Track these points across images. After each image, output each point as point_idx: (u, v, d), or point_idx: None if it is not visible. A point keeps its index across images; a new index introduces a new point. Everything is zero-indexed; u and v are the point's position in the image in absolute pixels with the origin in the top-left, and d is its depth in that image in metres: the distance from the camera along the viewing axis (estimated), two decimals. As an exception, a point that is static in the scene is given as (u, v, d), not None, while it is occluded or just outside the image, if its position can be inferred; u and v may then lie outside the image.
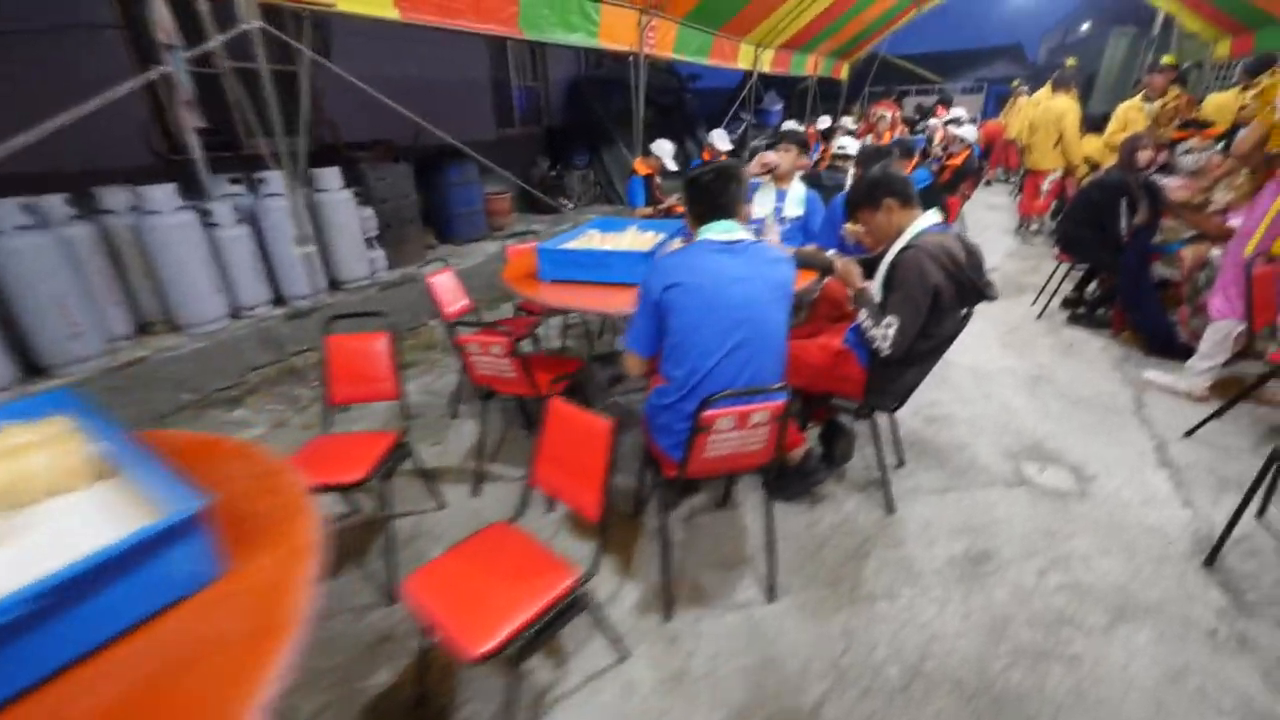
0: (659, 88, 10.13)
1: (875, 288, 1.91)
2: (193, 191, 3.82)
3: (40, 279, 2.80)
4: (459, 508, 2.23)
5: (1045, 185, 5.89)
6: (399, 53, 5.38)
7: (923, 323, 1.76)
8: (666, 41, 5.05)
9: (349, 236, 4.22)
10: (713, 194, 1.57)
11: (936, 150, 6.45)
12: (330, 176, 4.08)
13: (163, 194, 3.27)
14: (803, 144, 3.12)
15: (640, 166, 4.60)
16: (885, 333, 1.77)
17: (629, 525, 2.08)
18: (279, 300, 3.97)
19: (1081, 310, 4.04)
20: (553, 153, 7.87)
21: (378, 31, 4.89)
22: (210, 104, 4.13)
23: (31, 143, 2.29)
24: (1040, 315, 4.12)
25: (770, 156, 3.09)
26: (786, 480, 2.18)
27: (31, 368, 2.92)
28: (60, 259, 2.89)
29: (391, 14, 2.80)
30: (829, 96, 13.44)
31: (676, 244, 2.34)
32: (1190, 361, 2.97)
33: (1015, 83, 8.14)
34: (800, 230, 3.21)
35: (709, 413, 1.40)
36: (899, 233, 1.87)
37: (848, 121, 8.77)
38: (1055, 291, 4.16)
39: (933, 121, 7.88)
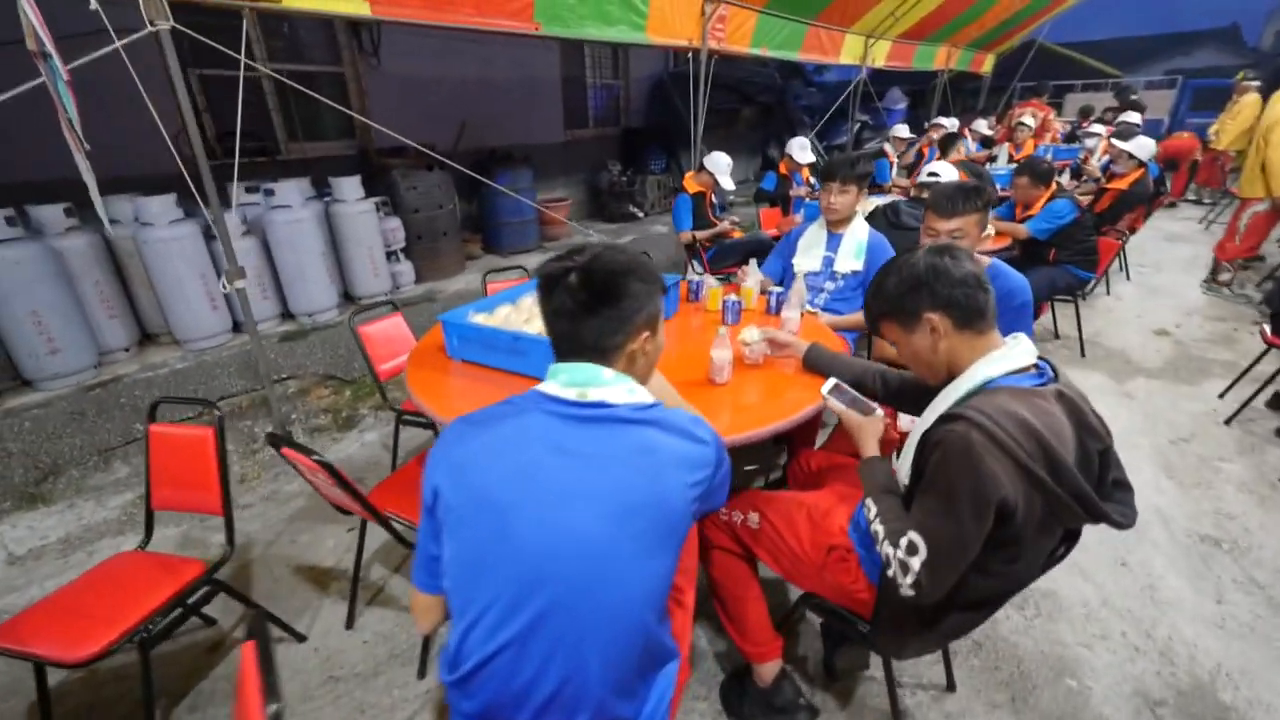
0: (759, 85, 9.22)
1: (902, 469, 1.11)
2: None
3: (15, 293, 2.71)
4: (328, 642, 1.73)
5: (1244, 220, 4.31)
6: (456, 51, 5.07)
7: (976, 556, 0.95)
8: (742, 33, 4.25)
9: (366, 250, 3.94)
10: (567, 309, 0.85)
11: (1093, 168, 5.02)
12: (348, 186, 3.82)
13: (159, 205, 3.12)
14: (862, 178, 2.26)
15: (690, 183, 3.88)
16: (906, 560, 0.97)
17: None
18: (288, 315, 3.79)
19: (1302, 417, 2.74)
20: (628, 156, 7.31)
21: (432, 30, 4.61)
22: (247, 108, 4.07)
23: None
24: (1231, 419, 2.85)
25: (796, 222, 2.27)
26: (746, 704, 1.43)
27: (18, 380, 2.88)
28: (44, 271, 2.80)
29: (361, 9, 2.36)
30: (968, 92, 11.61)
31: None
32: None
33: (1240, 76, 6.01)
34: (858, 289, 2.36)
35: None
36: (950, 371, 1.07)
37: (981, 125, 7.33)
38: (1259, 384, 2.87)
39: (1095, 129, 6.26)
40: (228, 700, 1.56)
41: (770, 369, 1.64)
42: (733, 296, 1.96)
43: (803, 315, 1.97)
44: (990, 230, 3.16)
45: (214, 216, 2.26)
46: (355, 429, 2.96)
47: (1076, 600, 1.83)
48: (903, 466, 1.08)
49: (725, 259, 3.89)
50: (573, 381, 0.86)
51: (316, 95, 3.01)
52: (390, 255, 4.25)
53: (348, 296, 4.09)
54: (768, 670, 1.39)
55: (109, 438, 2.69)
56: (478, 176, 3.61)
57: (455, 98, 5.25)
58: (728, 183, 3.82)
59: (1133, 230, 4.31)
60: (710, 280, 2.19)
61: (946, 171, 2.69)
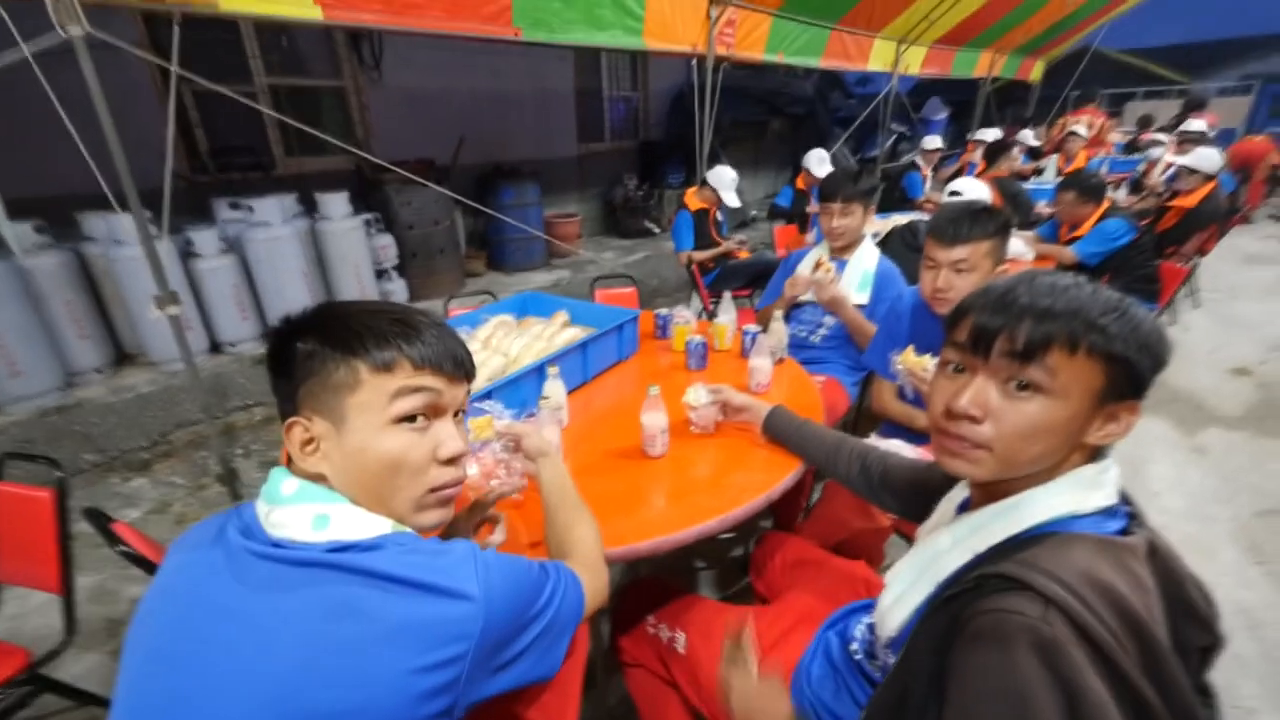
0: (789, 96, 8.87)
1: (886, 626, 0.72)
2: (199, 216, 3.65)
3: (-26, 314, 2.62)
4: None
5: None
6: (463, 63, 4.94)
7: None
8: (754, 38, 3.93)
9: (353, 268, 3.79)
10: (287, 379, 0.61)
11: (1155, 182, 4.47)
12: (334, 203, 3.68)
13: (131, 223, 3.01)
14: (867, 195, 1.91)
15: (691, 199, 3.58)
16: None
17: None
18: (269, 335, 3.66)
19: None
20: (646, 170, 7.07)
21: (437, 41, 4.49)
22: (242, 122, 4.00)
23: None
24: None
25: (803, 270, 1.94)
26: None
27: (-22, 402, 2.79)
28: (7, 291, 2.70)
29: (310, 13, 2.17)
30: (1016, 101, 10.93)
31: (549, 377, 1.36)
32: None
33: None
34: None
35: None
36: (1010, 477, 0.64)
37: (1028, 136, 6.77)
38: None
39: (1159, 137, 5.66)
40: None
41: (727, 437, 1.31)
42: (698, 337, 1.64)
43: (780, 363, 1.63)
44: (1018, 258, 2.76)
45: (142, 235, 2.08)
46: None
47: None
48: (886, 623, 0.72)
49: (729, 282, 3.56)
50: (267, 494, 0.59)
51: (277, 116, 2.84)
52: (381, 273, 4.09)
53: (334, 316, 3.95)
54: None
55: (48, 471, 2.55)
56: (460, 198, 3.40)
57: (461, 111, 5.11)
58: (732, 199, 3.51)
59: (1203, 252, 3.76)
60: (684, 313, 1.87)
61: (973, 190, 2.30)
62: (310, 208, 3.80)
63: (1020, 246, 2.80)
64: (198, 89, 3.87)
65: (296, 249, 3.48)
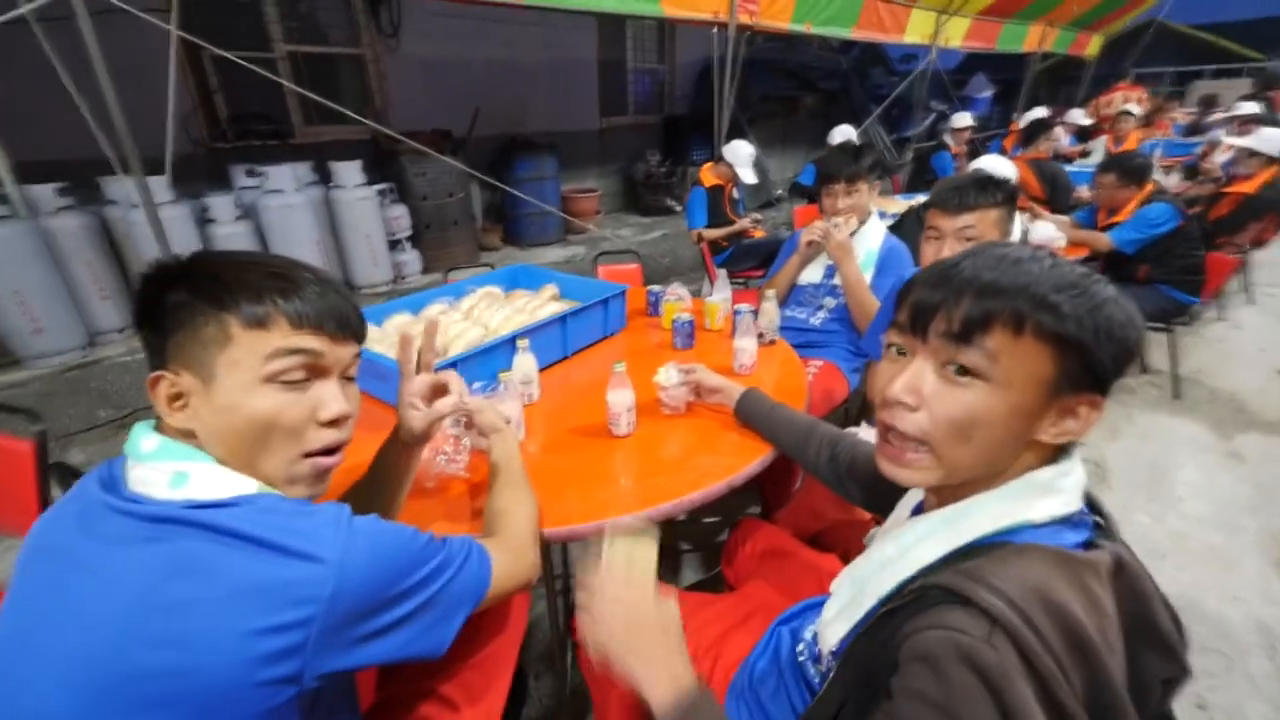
0: (822, 70, 8.52)
1: (828, 639, 0.65)
2: (219, 183, 3.70)
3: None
4: None
5: None
6: (482, 32, 4.86)
7: None
8: (780, 7, 3.74)
9: (365, 237, 3.81)
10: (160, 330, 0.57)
11: (1213, 166, 4.15)
12: (348, 171, 3.69)
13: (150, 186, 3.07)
14: (871, 172, 1.79)
15: (706, 175, 3.46)
16: None
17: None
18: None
19: None
20: (669, 146, 6.91)
21: (457, 9, 4.40)
22: (262, 90, 4.01)
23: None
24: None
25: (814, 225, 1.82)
26: None
27: (6, 357, 2.91)
28: (28, 250, 2.79)
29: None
30: (1067, 80, 10.28)
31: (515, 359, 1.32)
32: None
33: None
34: (864, 308, 1.90)
35: None
36: (965, 478, 0.56)
37: (1077, 115, 6.37)
38: None
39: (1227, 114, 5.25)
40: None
41: (699, 418, 1.25)
42: (684, 315, 1.57)
43: (770, 345, 1.56)
44: (1048, 244, 2.59)
45: (144, 199, 2.10)
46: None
47: None
48: (827, 637, 0.66)
49: (742, 262, 3.45)
50: (128, 448, 0.57)
51: (287, 85, 2.83)
52: (395, 244, 4.11)
53: (348, 285, 3.98)
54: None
55: (69, 423, 2.65)
56: (471, 170, 3.36)
57: (479, 81, 5.05)
58: (749, 175, 3.38)
59: (1259, 244, 3.48)
60: (678, 290, 1.80)
61: (999, 168, 2.15)
62: (327, 177, 3.82)
63: (1051, 231, 2.63)
64: (218, 56, 3.90)
65: (309, 217, 3.50)
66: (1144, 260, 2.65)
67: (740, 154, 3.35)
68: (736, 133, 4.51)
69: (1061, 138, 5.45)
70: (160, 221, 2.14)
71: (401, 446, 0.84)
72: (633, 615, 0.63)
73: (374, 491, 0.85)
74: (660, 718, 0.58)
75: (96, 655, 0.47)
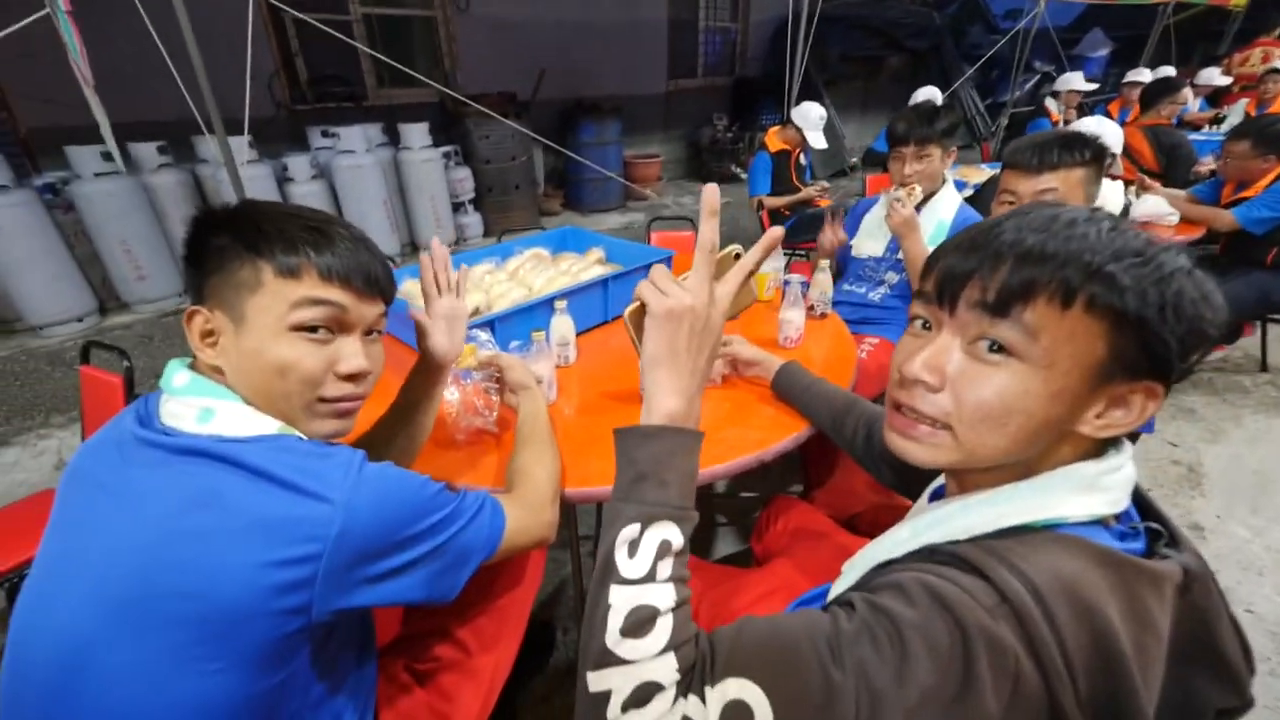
0: (910, 27, 7.85)
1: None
2: (298, 144, 3.88)
3: (108, 222, 2.99)
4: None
5: None
6: (552, -9, 4.78)
7: None
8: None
9: (429, 199, 3.91)
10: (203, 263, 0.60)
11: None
12: (415, 133, 3.77)
13: (233, 146, 3.26)
14: (946, 136, 1.62)
15: (772, 139, 3.30)
16: None
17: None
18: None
19: None
20: (739, 109, 6.64)
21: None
22: (339, 53, 4.13)
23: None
24: None
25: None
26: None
27: (116, 302, 3.23)
28: (133, 204, 3.05)
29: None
30: (1205, 35, 8.96)
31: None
32: None
33: None
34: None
35: None
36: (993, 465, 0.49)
37: (1212, 74, 5.56)
38: None
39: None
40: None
41: (736, 390, 1.20)
42: (730, 283, 1.51)
43: (822, 318, 1.47)
44: (1155, 220, 2.30)
45: (225, 158, 2.23)
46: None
47: None
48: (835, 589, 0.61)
49: (804, 233, 3.29)
50: (163, 383, 0.61)
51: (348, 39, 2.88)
52: (458, 206, 4.20)
53: (411, 246, 4.12)
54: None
55: (163, 364, 2.91)
56: (531, 134, 3.35)
57: (548, 42, 5.00)
58: (818, 140, 3.19)
59: None
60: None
61: (1101, 131, 1.90)
62: (396, 138, 3.93)
63: (1160, 206, 2.33)
64: (299, 19, 4.05)
65: (378, 177, 3.63)
66: (1275, 243, 2.31)
67: (810, 117, 3.16)
68: (810, 95, 4.24)
69: (1189, 100, 4.79)
70: (241, 181, 2.26)
71: (428, 369, 0.88)
72: (698, 313, 0.52)
73: (400, 418, 0.88)
74: (657, 421, 0.54)
75: (120, 574, 0.51)
